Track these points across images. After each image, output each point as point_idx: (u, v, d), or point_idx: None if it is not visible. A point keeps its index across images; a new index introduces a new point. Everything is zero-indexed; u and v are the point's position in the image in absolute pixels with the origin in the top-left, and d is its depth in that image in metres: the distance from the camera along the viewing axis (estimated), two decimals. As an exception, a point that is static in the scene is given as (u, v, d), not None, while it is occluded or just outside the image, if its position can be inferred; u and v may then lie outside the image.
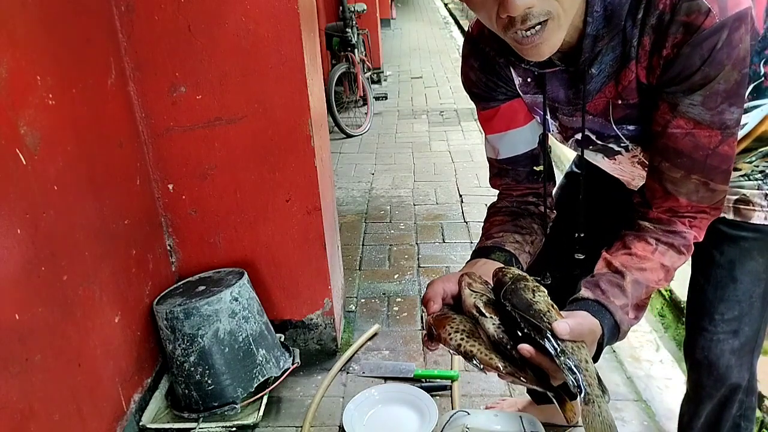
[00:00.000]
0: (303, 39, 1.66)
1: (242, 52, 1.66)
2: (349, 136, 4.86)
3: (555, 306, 0.80)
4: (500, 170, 1.13)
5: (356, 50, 5.26)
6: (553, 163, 1.16)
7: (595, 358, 0.84)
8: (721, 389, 1.14)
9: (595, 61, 0.88)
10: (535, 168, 1.10)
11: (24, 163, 1.22)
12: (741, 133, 0.99)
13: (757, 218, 1.05)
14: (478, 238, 1.10)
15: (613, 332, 0.85)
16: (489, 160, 1.15)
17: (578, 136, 1.02)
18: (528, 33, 0.78)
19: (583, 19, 0.83)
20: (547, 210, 1.12)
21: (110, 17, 1.60)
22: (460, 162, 4.11)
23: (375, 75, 6.51)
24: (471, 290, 0.88)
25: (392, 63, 7.75)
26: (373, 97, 5.63)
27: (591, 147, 1.04)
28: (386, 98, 6.14)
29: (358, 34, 5.43)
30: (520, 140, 1.08)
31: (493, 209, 1.14)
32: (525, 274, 0.87)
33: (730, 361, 1.12)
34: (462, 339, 0.83)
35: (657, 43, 0.82)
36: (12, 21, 1.21)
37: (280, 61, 1.68)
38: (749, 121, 0.99)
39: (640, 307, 0.89)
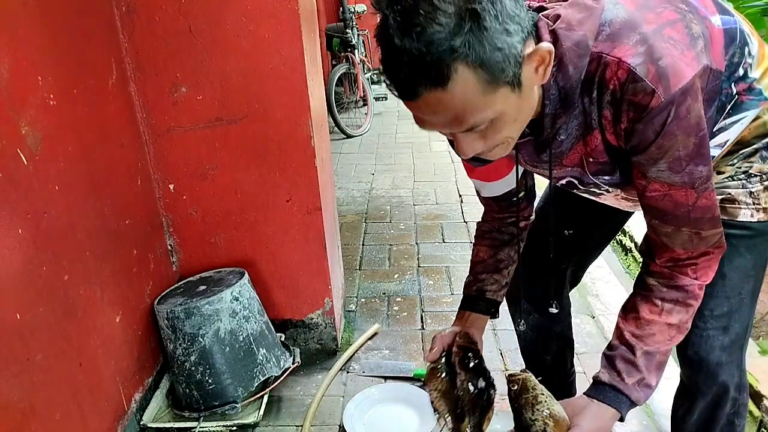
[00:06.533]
0: (303, 39, 1.66)
1: (243, 53, 1.67)
2: (349, 136, 4.87)
3: (553, 416, 0.97)
4: (484, 200, 1.28)
5: (356, 51, 5.27)
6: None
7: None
8: (712, 387, 1.16)
9: (560, 129, 0.94)
10: (515, 199, 1.21)
11: (25, 163, 1.22)
12: (723, 148, 1.05)
13: (743, 216, 1.06)
14: (468, 268, 1.30)
15: (631, 408, 1.01)
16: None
17: (563, 181, 1.10)
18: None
19: (541, 101, 0.89)
20: (526, 221, 1.27)
21: (111, 18, 1.61)
22: (460, 162, 4.10)
23: (375, 75, 6.51)
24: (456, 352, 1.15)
25: (392, 63, 7.73)
26: (374, 98, 5.63)
27: (575, 191, 1.14)
28: (386, 99, 6.14)
29: (358, 35, 5.44)
30: (500, 186, 1.20)
31: (479, 231, 1.31)
32: (529, 377, 1.03)
33: (721, 358, 1.13)
34: (435, 397, 1.13)
35: (615, 115, 0.88)
36: (13, 21, 1.22)
37: (281, 62, 1.68)
38: (730, 137, 1.03)
39: (660, 366, 1.01)
